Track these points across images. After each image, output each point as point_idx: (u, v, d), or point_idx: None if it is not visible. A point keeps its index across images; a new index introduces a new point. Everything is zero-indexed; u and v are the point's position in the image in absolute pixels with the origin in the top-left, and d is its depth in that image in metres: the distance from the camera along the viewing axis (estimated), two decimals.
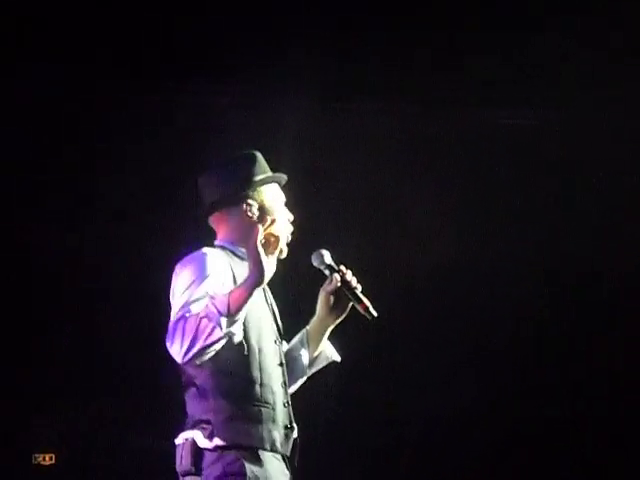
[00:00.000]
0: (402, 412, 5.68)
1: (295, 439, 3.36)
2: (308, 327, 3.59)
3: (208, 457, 3.23)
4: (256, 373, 3.27)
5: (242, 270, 3.28)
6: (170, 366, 3.27)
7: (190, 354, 3.12)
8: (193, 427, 3.26)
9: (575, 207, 5.65)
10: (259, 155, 3.46)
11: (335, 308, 3.50)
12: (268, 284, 3.28)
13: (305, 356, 3.57)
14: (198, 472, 3.23)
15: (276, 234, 3.39)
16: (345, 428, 5.63)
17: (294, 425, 3.35)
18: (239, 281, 3.24)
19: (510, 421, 5.64)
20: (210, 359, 3.17)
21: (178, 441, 3.28)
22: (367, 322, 3.43)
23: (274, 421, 3.28)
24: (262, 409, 3.26)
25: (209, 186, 3.43)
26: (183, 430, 3.29)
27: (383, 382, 5.67)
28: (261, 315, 3.37)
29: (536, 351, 5.70)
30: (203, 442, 3.23)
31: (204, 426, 3.24)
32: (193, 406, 3.29)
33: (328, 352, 3.61)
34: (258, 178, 3.42)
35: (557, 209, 5.69)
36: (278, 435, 3.28)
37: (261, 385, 3.28)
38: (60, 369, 5.45)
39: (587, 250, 5.62)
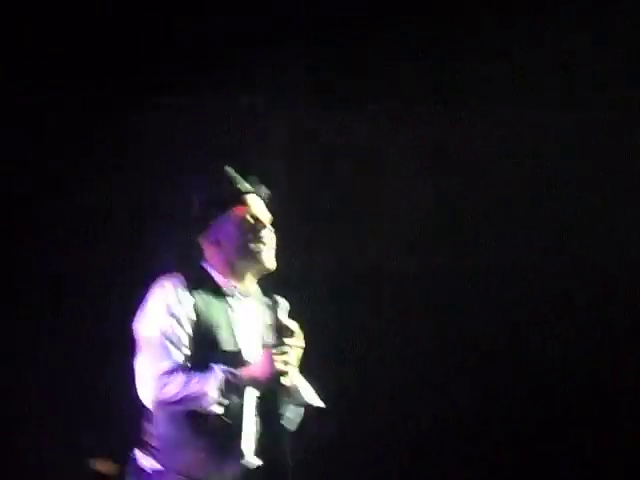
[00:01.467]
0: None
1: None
2: None
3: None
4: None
5: (209, 303, 3.37)
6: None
7: (170, 408, 3.26)
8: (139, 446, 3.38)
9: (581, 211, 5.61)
10: (233, 171, 3.52)
11: None
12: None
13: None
14: None
15: (254, 249, 3.44)
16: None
17: (244, 455, 3.37)
18: (206, 315, 3.34)
19: (510, 428, 5.62)
20: None
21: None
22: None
23: (222, 453, 3.33)
24: (209, 439, 3.31)
25: (194, 204, 3.51)
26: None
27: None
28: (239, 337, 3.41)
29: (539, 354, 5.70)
30: (144, 461, 3.35)
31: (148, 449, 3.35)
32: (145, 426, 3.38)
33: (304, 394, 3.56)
34: (232, 190, 3.48)
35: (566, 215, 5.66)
36: (224, 466, 3.33)
37: (211, 416, 3.29)
38: None
39: (590, 252, 5.59)
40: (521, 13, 5.35)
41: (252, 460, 3.39)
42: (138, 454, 3.34)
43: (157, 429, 3.33)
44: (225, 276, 3.45)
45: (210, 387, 3.22)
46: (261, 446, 3.41)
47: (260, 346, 3.44)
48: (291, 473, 3.37)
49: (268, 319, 3.46)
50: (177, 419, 3.29)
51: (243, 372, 3.29)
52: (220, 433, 3.30)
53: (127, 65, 5.32)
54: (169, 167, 5.30)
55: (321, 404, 3.54)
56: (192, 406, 3.23)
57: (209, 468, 3.30)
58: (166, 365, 3.25)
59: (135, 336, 3.36)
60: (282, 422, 3.42)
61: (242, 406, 3.34)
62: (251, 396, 3.38)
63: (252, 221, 3.45)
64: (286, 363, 3.30)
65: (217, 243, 3.45)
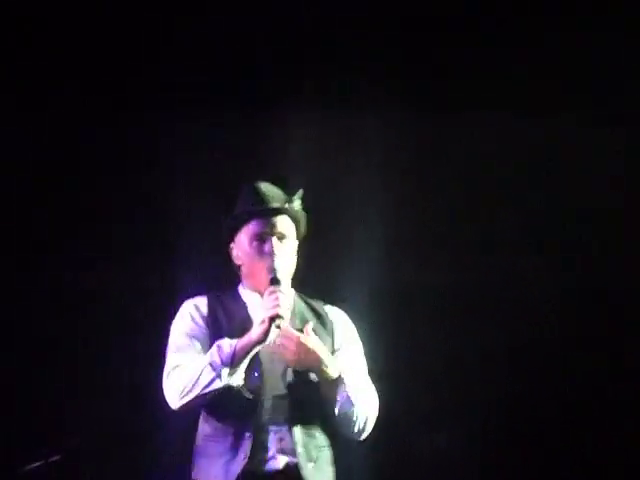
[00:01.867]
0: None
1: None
2: None
3: None
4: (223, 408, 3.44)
5: (238, 314, 3.53)
6: None
7: (185, 400, 3.38)
8: None
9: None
10: (256, 186, 3.60)
11: None
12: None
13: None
14: None
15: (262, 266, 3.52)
16: None
17: (267, 459, 3.41)
18: (226, 327, 3.50)
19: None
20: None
21: None
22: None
23: (234, 456, 3.41)
24: (220, 445, 3.44)
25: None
26: None
27: None
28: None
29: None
30: None
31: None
32: None
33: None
34: (243, 211, 3.59)
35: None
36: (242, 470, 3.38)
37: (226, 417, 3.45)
38: None
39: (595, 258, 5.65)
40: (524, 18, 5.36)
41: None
42: None
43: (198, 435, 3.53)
44: (252, 291, 3.60)
45: (209, 360, 3.36)
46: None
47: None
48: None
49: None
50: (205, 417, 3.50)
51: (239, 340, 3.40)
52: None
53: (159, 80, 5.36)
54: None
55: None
56: (201, 389, 3.35)
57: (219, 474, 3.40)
58: (172, 364, 3.43)
59: None
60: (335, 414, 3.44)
61: (261, 385, 3.43)
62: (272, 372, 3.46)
63: (259, 238, 3.55)
64: (276, 305, 3.36)
65: (237, 258, 3.63)
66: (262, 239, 3.54)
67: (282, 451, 3.40)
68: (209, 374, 3.32)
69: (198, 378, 3.33)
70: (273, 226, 3.55)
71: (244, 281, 3.62)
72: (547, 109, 5.41)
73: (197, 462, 3.45)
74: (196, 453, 3.46)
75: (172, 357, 3.45)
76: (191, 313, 3.52)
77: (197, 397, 3.35)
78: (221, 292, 3.62)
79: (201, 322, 3.51)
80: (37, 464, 4.96)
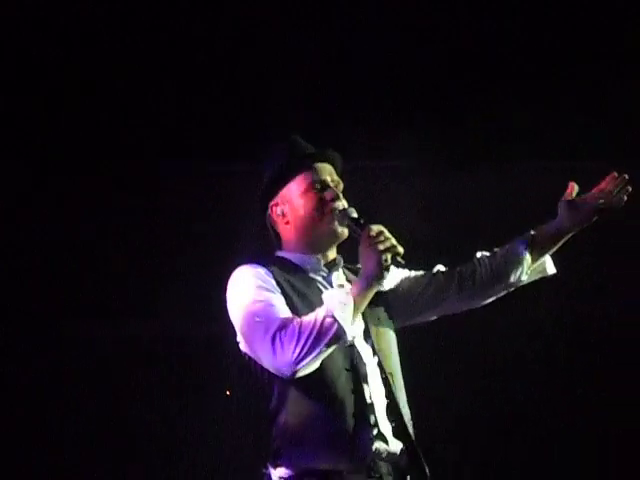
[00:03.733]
0: None
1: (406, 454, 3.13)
2: (534, 232, 3.43)
3: None
4: (321, 390, 3.07)
5: (293, 285, 3.16)
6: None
7: (308, 359, 2.96)
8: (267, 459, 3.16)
9: None
10: (297, 138, 3.34)
11: (578, 214, 3.35)
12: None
13: (523, 263, 3.38)
14: None
15: (323, 217, 3.25)
16: None
17: (376, 441, 3.08)
18: (294, 295, 3.13)
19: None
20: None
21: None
22: None
23: (348, 439, 3.05)
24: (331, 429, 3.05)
25: (263, 177, 3.32)
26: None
27: None
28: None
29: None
30: (274, 474, 3.10)
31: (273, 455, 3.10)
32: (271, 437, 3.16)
33: (549, 264, 3.44)
34: (294, 160, 3.27)
35: None
36: (356, 454, 3.03)
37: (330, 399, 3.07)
38: None
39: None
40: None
41: (388, 442, 3.11)
42: (271, 469, 3.11)
43: (281, 417, 3.08)
44: (303, 253, 3.26)
45: (327, 308, 2.99)
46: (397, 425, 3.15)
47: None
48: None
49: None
50: (301, 395, 3.05)
51: (354, 284, 3.09)
52: (347, 401, 3.06)
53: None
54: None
55: (554, 271, 3.43)
56: (324, 344, 2.97)
57: (340, 449, 3.01)
58: (274, 325, 3.00)
59: (236, 328, 3.16)
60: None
61: (366, 373, 3.11)
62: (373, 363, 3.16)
63: (318, 186, 3.26)
64: (385, 239, 3.05)
65: (283, 217, 3.27)
66: (323, 187, 3.26)
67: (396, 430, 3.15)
68: (331, 326, 2.96)
69: (319, 332, 2.95)
70: (331, 173, 3.30)
71: (291, 243, 3.28)
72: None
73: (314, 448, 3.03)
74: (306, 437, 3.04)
75: (268, 317, 3.02)
76: (258, 271, 3.14)
77: (319, 354, 2.97)
78: (263, 261, 3.23)
79: (272, 281, 3.14)
80: None
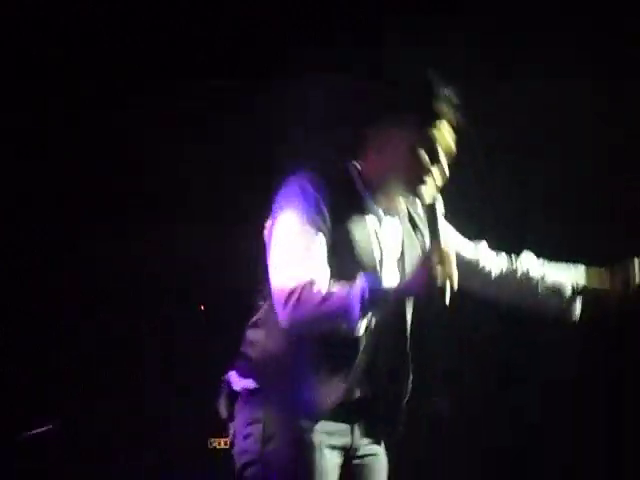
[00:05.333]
0: None
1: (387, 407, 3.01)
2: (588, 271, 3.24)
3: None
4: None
5: (348, 212, 2.90)
6: None
7: (305, 329, 2.82)
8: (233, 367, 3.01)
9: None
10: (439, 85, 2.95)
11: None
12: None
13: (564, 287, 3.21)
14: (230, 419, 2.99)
15: (418, 179, 2.94)
16: None
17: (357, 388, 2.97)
18: (336, 225, 2.87)
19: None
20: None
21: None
22: None
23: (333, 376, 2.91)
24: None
25: (380, 98, 2.96)
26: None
27: None
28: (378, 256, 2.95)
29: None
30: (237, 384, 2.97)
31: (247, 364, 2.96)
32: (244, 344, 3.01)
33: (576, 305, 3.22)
34: (435, 110, 2.90)
35: None
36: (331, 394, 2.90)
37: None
38: None
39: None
40: None
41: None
42: (233, 377, 2.97)
43: (269, 336, 2.92)
44: (372, 187, 2.97)
45: (353, 301, 2.73)
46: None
47: (405, 272, 2.97)
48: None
49: (419, 238, 3.05)
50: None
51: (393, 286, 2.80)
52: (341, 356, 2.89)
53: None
54: None
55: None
56: (330, 324, 2.77)
57: (316, 391, 2.87)
58: (302, 278, 2.76)
59: (267, 244, 2.92)
60: None
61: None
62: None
63: (433, 148, 2.92)
64: (447, 272, 2.71)
65: (380, 149, 2.95)
66: (436, 155, 2.92)
67: None
68: (347, 316, 2.74)
69: (333, 314, 2.75)
70: (449, 144, 2.97)
71: (366, 162, 2.98)
72: None
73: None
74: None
75: (303, 260, 2.79)
76: (316, 198, 2.85)
77: (317, 331, 2.81)
78: (332, 177, 2.91)
79: (325, 216, 2.85)
80: (37, 431, 4.92)
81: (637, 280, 3.13)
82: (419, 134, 2.91)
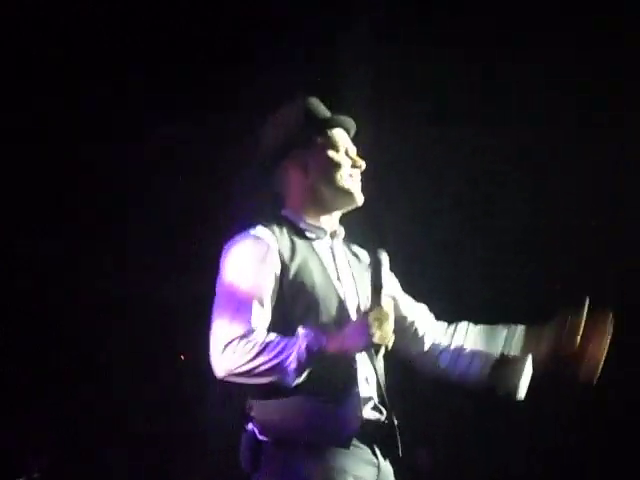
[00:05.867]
0: None
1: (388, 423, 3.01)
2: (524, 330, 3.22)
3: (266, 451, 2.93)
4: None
5: (295, 249, 3.00)
6: None
7: (242, 380, 2.85)
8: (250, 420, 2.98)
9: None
10: (318, 100, 3.20)
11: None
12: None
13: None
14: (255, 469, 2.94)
15: (346, 183, 3.12)
16: None
17: (367, 410, 2.98)
18: (296, 263, 2.97)
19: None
20: None
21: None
22: None
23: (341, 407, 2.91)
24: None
25: (270, 135, 3.15)
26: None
27: None
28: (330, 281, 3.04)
29: None
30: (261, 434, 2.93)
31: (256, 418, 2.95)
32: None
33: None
34: (325, 121, 3.15)
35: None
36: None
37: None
38: None
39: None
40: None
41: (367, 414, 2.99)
42: (254, 427, 2.94)
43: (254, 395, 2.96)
44: (309, 215, 3.11)
45: (289, 359, 2.80)
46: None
47: (361, 291, 3.09)
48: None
49: (363, 269, 3.13)
50: None
51: (330, 342, 2.82)
52: (330, 383, 2.90)
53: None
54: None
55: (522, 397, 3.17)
56: (265, 379, 2.82)
57: (325, 423, 2.89)
58: (239, 330, 2.83)
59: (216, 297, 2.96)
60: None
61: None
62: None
63: (344, 153, 3.14)
64: (385, 332, 2.78)
65: (304, 169, 3.10)
66: (346, 152, 3.14)
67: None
68: (285, 372, 2.80)
69: (269, 369, 2.80)
70: (353, 147, 3.20)
71: (300, 202, 3.12)
72: None
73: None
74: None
75: (240, 316, 2.85)
76: (259, 251, 2.95)
77: (253, 382, 2.84)
78: (269, 224, 3.05)
79: (273, 267, 2.94)
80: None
81: (569, 340, 3.06)
82: (337, 136, 3.13)
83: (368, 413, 2.97)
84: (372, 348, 2.82)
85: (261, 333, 2.84)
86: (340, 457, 2.88)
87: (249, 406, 2.94)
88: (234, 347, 2.80)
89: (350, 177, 3.12)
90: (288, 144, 3.10)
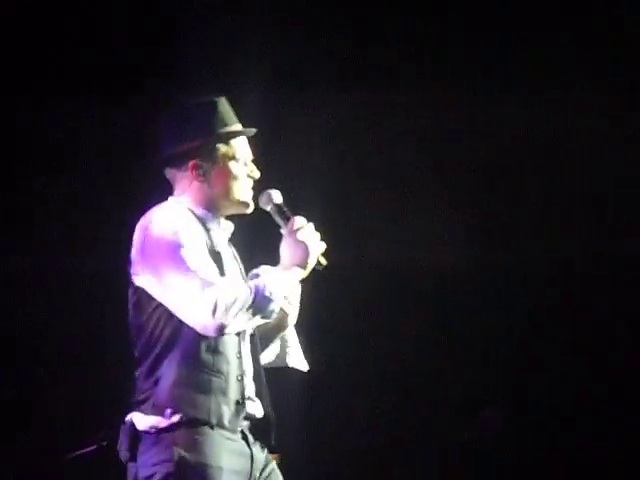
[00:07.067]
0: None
1: (265, 415, 3.13)
2: None
3: (145, 441, 3.01)
4: (210, 339, 3.03)
5: (200, 233, 3.10)
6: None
7: (237, 327, 3.00)
8: (134, 406, 3.06)
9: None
10: (226, 102, 3.25)
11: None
12: (234, 243, 3.26)
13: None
14: (133, 458, 3.02)
15: (243, 194, 3.22)
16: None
17: (247, 400, 3.09)
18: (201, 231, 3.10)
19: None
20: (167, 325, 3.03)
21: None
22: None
23: (224, 394, 3.04)
24: (212, 378, 3.03)
25: (171, 134, 3.19)
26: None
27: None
28: (230, 274, 3.15)
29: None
30: (141, 423, 3.01)
31: (144, 401, 3.03)
32: (140, 382, 3.08)
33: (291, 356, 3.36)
34: (228, 130, 3.20)
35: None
36: (227, 410, 3.03)
37: (214, 352, 3.05)
38: None
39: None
40: None
41: (248, 403, 3.12)
42: (137, 417, 3.03)
43: (157, 372, 3.04)
44: (205, 209, 3.20)
45: (267, 286, 3.02)
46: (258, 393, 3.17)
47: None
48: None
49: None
50: (177, 357, 3.02)
51: (277, 272, 3.12)
52: (215, 371, 3.05)
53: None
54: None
55: (306, 367, 3.36)
56: (257, 318, 3.03)
57: (210, 409, 3.01)
58: (215, 286, 2.96)
59: (150, 268, 3.04)
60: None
61: (239, 343, 3.12)
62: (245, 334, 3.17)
63: (244, 163, 3.22)
64: (312, 234, 3.13)
65: (204, 177, 3.18)
66: (245, 162, 3.24)
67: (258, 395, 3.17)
68: (268, 305, 3.01)
69: (258, 307, 2.99)
70: (250, 153, 3.30)
71: (197, 198, 3.19)
72: None
73: (180, 392, 3.01)
74: (176, 382, 3.01)
75: (207, 276, 2.97)
76: (188, 221, 3.09)
77: (247, 325, 3.04)
78: (178, 210, 3.16)
79: (198, 229, 3.11)
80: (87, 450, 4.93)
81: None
82: (237, 146, 3.21)
83: (247, 405, 3.09)
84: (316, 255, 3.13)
85: (231, 285, 3.01)
86: (221, 439, 3.01)
87: (145, 390, 3.04)
88: (219, 304, 2.93)
89: (246, 189, 3.21)
90: (192, 153, 3.17)
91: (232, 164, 3.20)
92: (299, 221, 3.16)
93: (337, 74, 5.61)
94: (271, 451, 3.16)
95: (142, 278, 3.05)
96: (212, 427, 2.99)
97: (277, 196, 3.23)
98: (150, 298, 3.05)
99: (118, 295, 3.22)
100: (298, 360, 3.34)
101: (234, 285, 3.02)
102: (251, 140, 3.28)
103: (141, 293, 3.07)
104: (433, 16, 5.46)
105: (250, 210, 3.23)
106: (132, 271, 3.09)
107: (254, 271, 3.22)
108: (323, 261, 3.17)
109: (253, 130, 3.27)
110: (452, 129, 5.72)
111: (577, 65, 5.50)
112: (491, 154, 5.71)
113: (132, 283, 3.09)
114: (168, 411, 2.98)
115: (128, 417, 3.04)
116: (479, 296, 5.72)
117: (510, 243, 5.73)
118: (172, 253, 3.00)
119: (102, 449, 4.84)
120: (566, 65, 5.53)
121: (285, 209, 3.22)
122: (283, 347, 3.32)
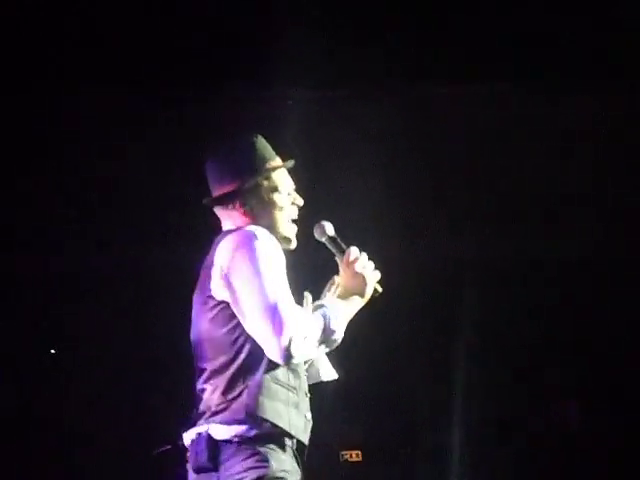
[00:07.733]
0: None
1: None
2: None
3: (225, 450, 3.13)
4: None
5: (282, 259, 3.24)
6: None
7: (306, 357, 3.19)
8: (209, 418, 3.17)
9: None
10: (262, 139, 3.41)
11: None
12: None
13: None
14: (215, 468, 3.15)
15: (287, 229, 3.36)
16: None
17: (310, 417, 3.27)
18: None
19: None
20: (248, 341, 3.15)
21: (190, 437, 3.20)
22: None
23: (297, 408, 3.20)
24: (289, 393, 3.19)
25: (216, 177, 3.37)
26: (195, 425, 3.20)
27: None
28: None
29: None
30: (222, 433, 3.13)
31: (222, 411, 3.14)
32: (214, 394, 3.19)
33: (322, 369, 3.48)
34: (268, 165, 3.36)
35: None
36: (301, 423, 3.20)
37: (290, 368, 3.20)
38: None
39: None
40: None
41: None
42: (214, 428, 3.16)
43: (256, 373, 3.15)
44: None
45: (335, 318, 3.19)
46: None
47: None
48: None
49: None
50: (257, 370, 3.15)
51: (340, 303, 3.27)
52: (291, 386, 3.21)
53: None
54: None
55: (336, 376, 3.47)
56: (325, 349, 3.21)
57: (290, 419, 3.17)
58: (294, 316, 3.11)
59: (239, 286, 3.17)
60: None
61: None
62: None
63: (287, 193, 3.38)
64: (371, 272, 3.30)
65: (250, 212, 3.34)
66: (288, 192, 3.37)
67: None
68: (335, 337, 3.19)
69: (327, 339, 3.18)
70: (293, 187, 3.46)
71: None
72: None
73: (267, 403, 3.14)
74: (262, 394, 3.14)
75: (289, 305, 3.12)
76: (274, 243, 3.24)
77: (314, 351, 3.19)
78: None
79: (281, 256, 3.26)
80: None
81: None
82: (269, 187, 3.35)
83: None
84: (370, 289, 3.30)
85: (303, 317, 3.16)
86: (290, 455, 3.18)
87: (244, 401, 3.13)
88: (295, 334, 3.06)
89: (290, 222, 3.36)
90: (237, 192, 3.33)
91: (276, 196, 3.36)
92: (354, 252, 3.33)
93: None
94: None
95: (226, 293, 3.17)
96: (291, 438, 3.16)
97: (329, 228, 3.38)
98: (233, 314, 3.17)
99: None
100: (329, 372, 3.46)
101: (307, 320, 3.16)
102: (291, 170, 3.42)
103: (223, 307, 3.19)
104: None
105: (293, 247, 3.37)
106: (213, 285, 3.20)
107: (318, 302, 3.30)
108: (379, 289, 3.32)
109: (291, 162, 3.43)
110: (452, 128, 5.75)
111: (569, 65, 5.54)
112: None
113: (211, 297, 3.20)
114: (253, 421, 3.11)
115: (201, 429, 3.16)
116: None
117: None
118: (260, 278, 3.14)
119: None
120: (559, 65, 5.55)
121: (339, 240, 3.36)
122: (315, 364, 3.43)
